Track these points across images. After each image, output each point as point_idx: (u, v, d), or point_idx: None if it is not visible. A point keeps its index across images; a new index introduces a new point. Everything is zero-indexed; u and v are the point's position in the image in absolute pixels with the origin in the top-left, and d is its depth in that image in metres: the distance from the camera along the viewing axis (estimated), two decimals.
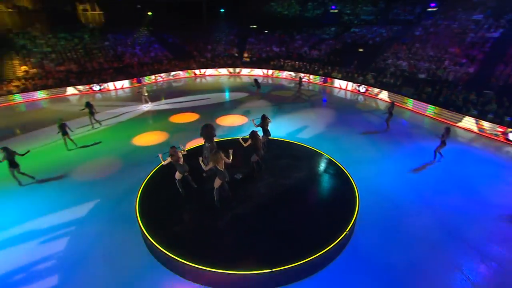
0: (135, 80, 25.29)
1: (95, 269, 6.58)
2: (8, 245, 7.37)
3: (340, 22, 29.60)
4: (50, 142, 13.13)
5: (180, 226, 7.21)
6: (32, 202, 9.08)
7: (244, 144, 8.55)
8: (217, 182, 7.46)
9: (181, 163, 7.89)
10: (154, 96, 20.66)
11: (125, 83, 24.60)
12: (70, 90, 22.60)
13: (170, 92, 22.69)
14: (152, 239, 6.63)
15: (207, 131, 8.72)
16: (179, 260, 6.09)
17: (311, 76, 24.95)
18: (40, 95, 21.39)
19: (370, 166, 10.78)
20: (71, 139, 12.54)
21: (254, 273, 5.84)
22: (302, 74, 25.05)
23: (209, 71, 28.70)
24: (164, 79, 27.01)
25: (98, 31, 29.85)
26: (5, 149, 9.50)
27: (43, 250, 7.14)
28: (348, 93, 21.70)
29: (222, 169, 7.23)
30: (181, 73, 28.00)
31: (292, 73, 26.11)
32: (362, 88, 21.05)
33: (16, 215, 8.48)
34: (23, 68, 23.43)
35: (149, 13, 32.67)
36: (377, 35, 26.38)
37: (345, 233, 6.72)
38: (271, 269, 5.82)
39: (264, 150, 9.46)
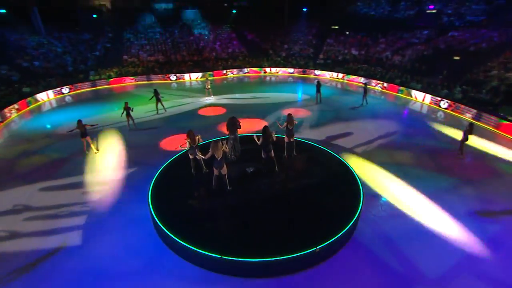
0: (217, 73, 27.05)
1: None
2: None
3: (437, 24, 25.26)
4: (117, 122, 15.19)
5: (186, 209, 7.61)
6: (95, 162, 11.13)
7: (258, 142, 8.56)
8: (215, 171, 7.82)
9: (192, 146, 8.49)
10: (220, 90, 21.56)
11: (199, 75, 26.60)
12: (152, 77, 25.73)
13: (234, 87, 23.49)
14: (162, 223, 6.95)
15: (231, 123, 9.24)
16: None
17: (385, 84, 22.12)
18: (128, 81, 25.01)
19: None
20: (133, 120, 14.26)
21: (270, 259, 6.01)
22: (369, 81, 22.56)
23: (280, 70, 28.53)
24: (235, 74, 28.11)
25: (188, 26, 33.12)
26: (79, 122, 11.42)
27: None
28: (425, 107, 18.32)
29: (219, 159, 7.58)
30: (250, 70, 28.67)
31: (362, 79, 23.70)
32: (444, 104, 17.46)
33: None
34: (125, 57, 27.88)
35: (234, 11, 34.36)
36: (484, 40, 21.48)
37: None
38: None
39: (289, 150, 9.88)
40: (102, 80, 24.16)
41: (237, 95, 20.66)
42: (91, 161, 11.33)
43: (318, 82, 18.13)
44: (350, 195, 7.97)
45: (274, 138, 8.59)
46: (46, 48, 25.21)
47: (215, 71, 27.33)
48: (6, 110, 16.53)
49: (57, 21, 27.66)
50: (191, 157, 8.76)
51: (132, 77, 25.10)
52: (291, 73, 28.09)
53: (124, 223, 7.82)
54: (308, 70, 27.57)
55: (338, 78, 25.73)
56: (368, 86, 19.68)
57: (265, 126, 8.64)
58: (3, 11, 24.76)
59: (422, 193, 9.02)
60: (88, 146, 11.81)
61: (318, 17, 33.25)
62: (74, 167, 10.81)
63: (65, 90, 21.46)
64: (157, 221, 6.99)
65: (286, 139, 9.72)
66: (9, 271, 6.31)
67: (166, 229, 6.72)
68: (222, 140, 7.92)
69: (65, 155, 11.80)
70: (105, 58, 27.09)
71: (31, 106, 18.75)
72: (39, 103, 19.57)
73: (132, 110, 13.95)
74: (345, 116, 16.16)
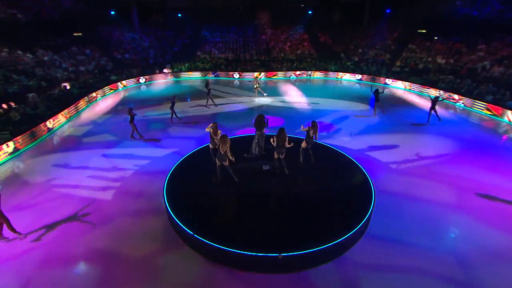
0: (270, 73, 27.13)
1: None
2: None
3: None
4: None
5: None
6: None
7: (273, 143, 8.68)
8: (217, 161, 8.32)
9: (213, 137, 8.87)
10: (274, 91, 21.33)
11: (262, 75, 26.85)
12: (219, 74, 27.18)
13: (291, 90, 22.93)
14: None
15: (258, 120, 9.73)
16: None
17: (467, 99, 18.22)
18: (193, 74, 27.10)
19: None
20: (175, 114, 15.23)
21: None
22: (447, 95, 18.90)
23: (346, 76, 26.55)
24: (298, 76, 27.37)
25: (259, 26, 33.77)
26: (130, 109, 12.87)
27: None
28: None
29: (222, 152, 7.94)
30: (315, 73, 27.50)
31: (434, 91, 20.08)
32: None
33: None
34: (198, 53, 30.27)
35: (310, 12, 33.41)
36: None
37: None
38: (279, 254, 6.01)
39: (307, 156, 9.59)
40: (174, 73, 26.77)
41: (290, 98, 20.13)
42: (136, 143, 12.85)
43: (376, 90, 16.08)
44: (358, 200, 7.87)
45: (287, 144, 8.47)
46: (137, 43, 29.35)
47: (269, 72, 27.07)
48: (94, 93, 20.03)
49: (149, 20, 31.86)
50: (211, 146, 9.28)
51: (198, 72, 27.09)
52: (359, 79, 25.79)
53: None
54: (378, 77, 24.84)
55: (411, 89, 22.40)
56: (442, 99, 16.56)
57: (281, 128, 8.59)
58: (113, 12, 29.79)
59: None
60: (135, 131, 13.18)
61: (402, 20, 29.52)
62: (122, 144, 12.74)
63: (142, 80, 24.58)
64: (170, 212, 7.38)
65: (303, 145, 9.38)
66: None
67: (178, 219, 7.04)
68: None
69: (118, 137, 13.53)
70: (182, 53, 29.91)
71: (109, 92, 22.26)
72: (118, 89, 22.92)
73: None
74: (398, 130, 14.15)
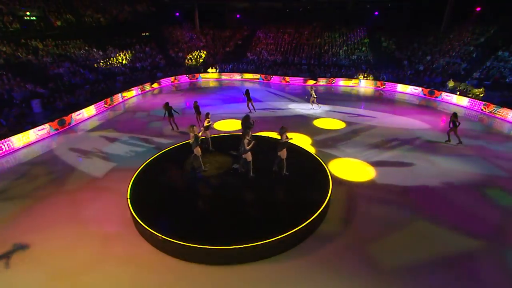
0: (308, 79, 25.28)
1: None
2: None
3: None
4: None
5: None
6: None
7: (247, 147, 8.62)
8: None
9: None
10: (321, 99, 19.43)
11: (306, 80, 25.19)
12: (248, 76, 26.83)
13: (329, 99, 20.78)
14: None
15: (245, 121, 10.01)
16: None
17: None
18: (235, 76, 27.21)
19: None
20: (200, 122, 14.06)
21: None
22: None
23: (399, 87, 22.65)
24: (340, 85, 24.72)
25: (316, 29, 31.76)
26: (167, 104, 13.65)
27: None
28: None
29: (191, 142, 8.82)
30: (361, 82, 24.37)
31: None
32: None
33: None
34: (248, 54, 30.43)
35: (376, 13, 29.71)
36: None
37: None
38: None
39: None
40: (214, 74, 27.49)
41: (341, 109, 17.95)
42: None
43: (454, 114, 12.10)
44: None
45: (247, 146, 8.38)
46: (193, 43, 31.35)
47: (309, 78, 25.12)
48: (141, 86, 22.42)
49: (209, 20, 33.63)
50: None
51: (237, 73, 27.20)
52: (416, 92, 21.62)
53: None
54: (439, 91, 20.28)
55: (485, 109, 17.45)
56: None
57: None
58: (177, 14, 32.63)
59: None
60: (173, 124, 14.06)
61: (497, 20, 23.35)
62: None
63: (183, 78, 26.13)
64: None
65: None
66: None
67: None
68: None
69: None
70: (232, 54, 30.54)
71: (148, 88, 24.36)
72: (159, 86, 24.72)
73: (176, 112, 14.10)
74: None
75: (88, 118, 16.86)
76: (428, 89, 20.81)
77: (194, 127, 8.80)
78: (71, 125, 15.53)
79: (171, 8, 32.87)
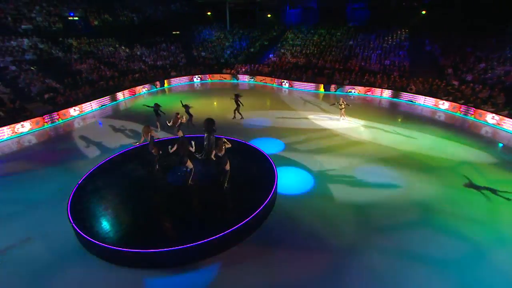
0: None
1: None
2: None
3: None
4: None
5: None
6: None
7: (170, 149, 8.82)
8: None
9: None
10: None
11: (318, 87, 22.82)
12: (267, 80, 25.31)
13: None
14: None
15: (207, 124, 9.93)
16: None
17: None
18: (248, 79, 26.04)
19: None
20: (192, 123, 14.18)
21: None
22: None
23: (430, 101, 18.65)
24: (360, 95, 21.54)
25: (350, 30, 28.48)
26: (186, 106, 13.79)
27: None
28: None
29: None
30: (387, 93, 20.82)
31: None
32: None
33: None
34: (270, 56, 28.89)
35: (423, 12, 25.21)
36: None
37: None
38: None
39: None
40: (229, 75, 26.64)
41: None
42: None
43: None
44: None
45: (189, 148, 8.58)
46: (217, 42, 31.05)
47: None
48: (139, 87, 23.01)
49: (240, 20, 32.95)
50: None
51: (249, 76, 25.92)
52: (452, 109, 17.49)
53: None
54: (485, 112, 15.92)
55: None
56: None
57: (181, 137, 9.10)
58: (209, 13, 32.77)
59: None
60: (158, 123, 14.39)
61: None
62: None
63: (196, 78, 25.88)
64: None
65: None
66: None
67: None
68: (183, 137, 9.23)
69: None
70: (257, 55, 29.36)
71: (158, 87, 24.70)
72: (170, 85, 24.84)
73: (163, 112, 14.16)
74: None
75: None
76: (466, 106, 16.63)
77: (150, 127, 9.34)
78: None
79: (204, 8, 33.18)
